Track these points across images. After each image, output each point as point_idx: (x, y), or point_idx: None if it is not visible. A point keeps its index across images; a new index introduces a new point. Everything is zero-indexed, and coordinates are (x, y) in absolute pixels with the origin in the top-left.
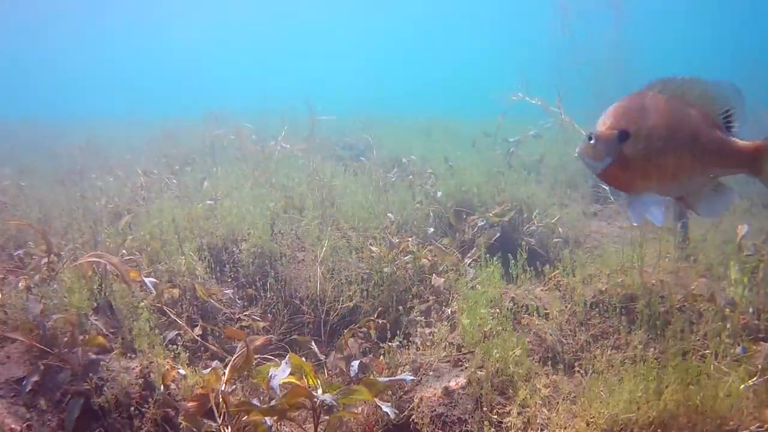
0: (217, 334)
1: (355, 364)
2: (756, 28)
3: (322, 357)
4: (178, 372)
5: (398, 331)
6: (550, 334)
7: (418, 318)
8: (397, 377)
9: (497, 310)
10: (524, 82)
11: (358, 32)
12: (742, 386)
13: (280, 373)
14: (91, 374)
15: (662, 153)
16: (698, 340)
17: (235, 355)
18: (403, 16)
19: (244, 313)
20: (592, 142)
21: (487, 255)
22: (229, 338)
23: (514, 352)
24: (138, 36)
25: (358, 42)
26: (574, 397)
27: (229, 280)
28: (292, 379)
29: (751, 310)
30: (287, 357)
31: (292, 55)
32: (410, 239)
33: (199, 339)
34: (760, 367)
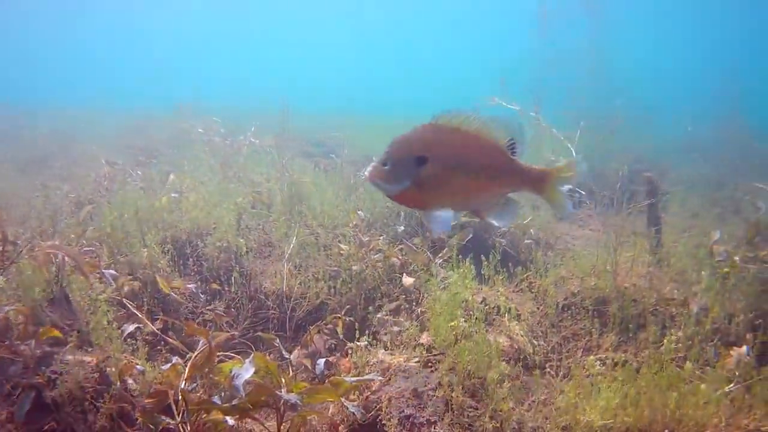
0: (179, 328)
1: (321, 362)
2: (733, 39)
3: (287, 355)
4: (136, 367)
5: (366, 330)
6: (522, 336)
7: (387, 317)
8: (365, 377)
9: (470, 312)
10: (502, 87)
11: (338, 32)
12: (719, 392)
13: (244, 373)
14: (43, 367)
15: (459, 175)
16: (671, 344)
17: (196, 352)
18: (383, 17)
19: (207, 308)
20: (387, 167)
21: (459, 256)
22: (191, 335)
23: (487, 356)
24: (114, 25)
25: (337, 42)
26: (546, 399)
27: (193, 273)
28: (256, 378)
29: (723, 314)
30: (251, 356)
31: (269, 52)
32: (380, 238)
33: (159, 333)
34: (736, 373)
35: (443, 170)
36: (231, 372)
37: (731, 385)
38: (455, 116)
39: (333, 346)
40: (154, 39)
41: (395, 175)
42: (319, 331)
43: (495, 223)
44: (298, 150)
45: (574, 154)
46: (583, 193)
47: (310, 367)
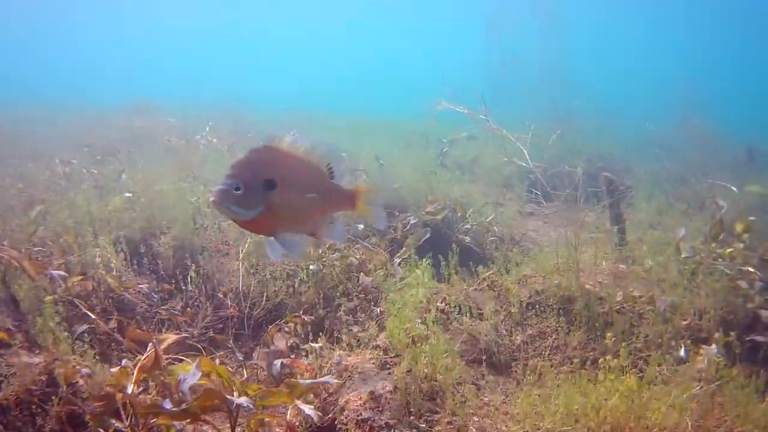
0: (135, 327)
1: (278, 363)
2: (693, 37)
3: (241, 357)
4: (81, 371)
5: (326, 329)
6: (485, 335)
7: (345, 317)
8: (320, 379)
9: (425, 314)
10: (452, 89)
11: (300, 32)
12: (686, 394)
13: (190, 378)
14: None
15: (301, 199)
16: (640, 342)
17: (144, 356)
18: (339, 17)
19: (162, 308)
20: (240, 191)
21: (417, 255)
22: (133, 341)
23: (443, 360)
24: (74, 22)
25: (299, 42)
26: (508, 399)
27: (148, 272)
28: (205, 382)
29: (692, 311)
30: (197, 360)
31: (230, 52)
32: None
33: (112, 333)
34: (702, 375)
35: (289, 194)
36: (179, 376)
37: (698, 387)
38: (285, 141)
39: (295, 344)
40: (116, 36)
41: (249, 200)
42: (279, 330)
43: (329, 240)
44: None
45: (526, 154)
46: (539, 192)
47: (266, 369)
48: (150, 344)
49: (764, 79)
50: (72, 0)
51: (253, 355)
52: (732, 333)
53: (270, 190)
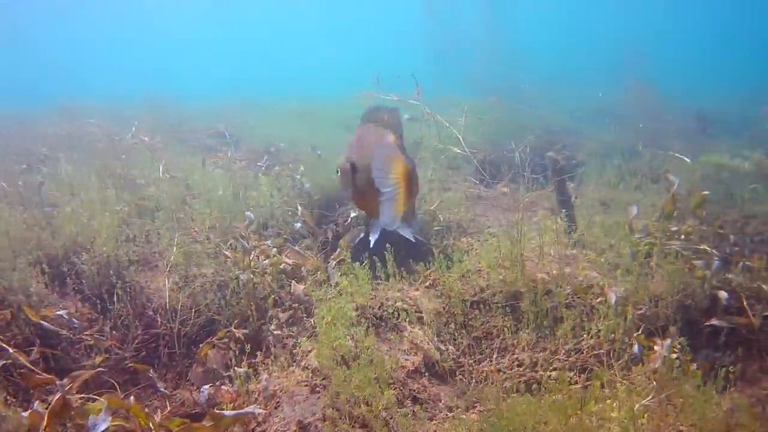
0: (59, 357)
1: (205, 390)
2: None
3: (162, 388)
4: None
5: (257, 344)
6: (427, 342)
7: (276, 332)
8: (245, 410)
9: (357, 327)
10: (383, 74)
11: (238, 20)
12: (636, 406)
13: (100, 423)
14: None
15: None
16: (591, 338)
17: (54, 399)
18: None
19: (86, 333)
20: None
21: (359, 252)
22: (36, 387)
23: (371, 387)
24: None
25: (235, 29)
26: (451, 414)
27: (73, 293)
28: (122, 422)
29: (647, 298)
30: (106, 402)
31: (154, 47)
32: (267, 242)
33: (35, 366)
34: (654, 383)
35: (368, 178)
36: (89, 421)
37: (652, 395)
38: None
39: (230, 360)
40: (41, 33)
41: (342, 183)
42: (213, 347)
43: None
44: (196, 143)
45: (461, 141)
46: (480, 180)
47: (191, 398)
48: (60, 382)
49: (712, 45)
50: None
51: (188, 373)
52: (684, 338)
53: (354, 174)
